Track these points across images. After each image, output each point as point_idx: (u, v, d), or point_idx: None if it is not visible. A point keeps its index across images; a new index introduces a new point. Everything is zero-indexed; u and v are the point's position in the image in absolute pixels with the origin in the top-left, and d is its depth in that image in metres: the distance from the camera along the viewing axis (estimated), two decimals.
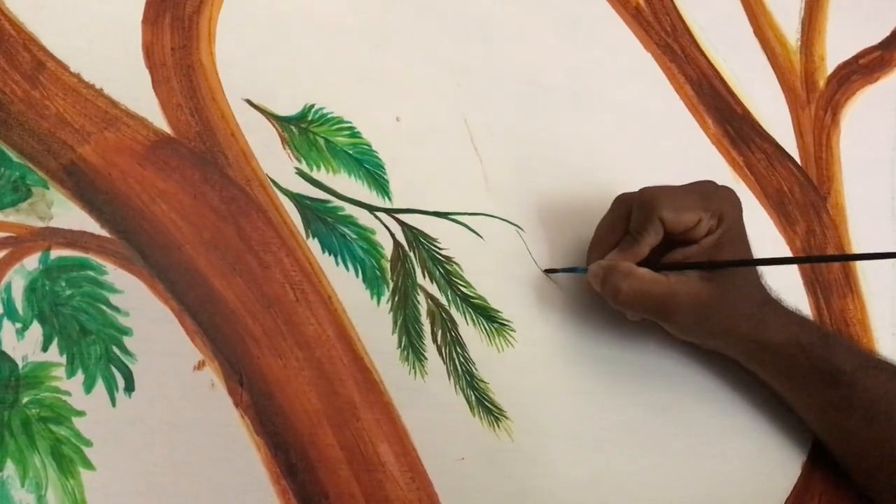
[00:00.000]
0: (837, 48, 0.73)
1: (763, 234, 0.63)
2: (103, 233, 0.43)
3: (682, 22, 0.67)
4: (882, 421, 0.51)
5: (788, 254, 0.63)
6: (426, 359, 0.48)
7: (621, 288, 0.48)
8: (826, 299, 0.64)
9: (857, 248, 0.66)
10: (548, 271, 0.54)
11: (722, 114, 0.66)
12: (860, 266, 0.66)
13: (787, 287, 0.61)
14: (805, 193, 0.66)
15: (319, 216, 0.48)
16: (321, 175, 0.49)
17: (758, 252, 0.53)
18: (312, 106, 0.51)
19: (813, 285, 0.64)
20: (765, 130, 0.67)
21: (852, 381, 0.51)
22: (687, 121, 0.64)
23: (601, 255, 0.51)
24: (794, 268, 0.63)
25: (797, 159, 0.67)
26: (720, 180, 0.62)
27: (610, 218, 0.52)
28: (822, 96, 0.71)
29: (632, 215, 0.50)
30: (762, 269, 0.53)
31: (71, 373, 0.40)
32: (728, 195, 0.51)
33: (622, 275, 0.49)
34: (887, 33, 0.76)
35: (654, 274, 0.49)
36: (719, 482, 0.54)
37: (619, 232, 0.51)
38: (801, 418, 0.56)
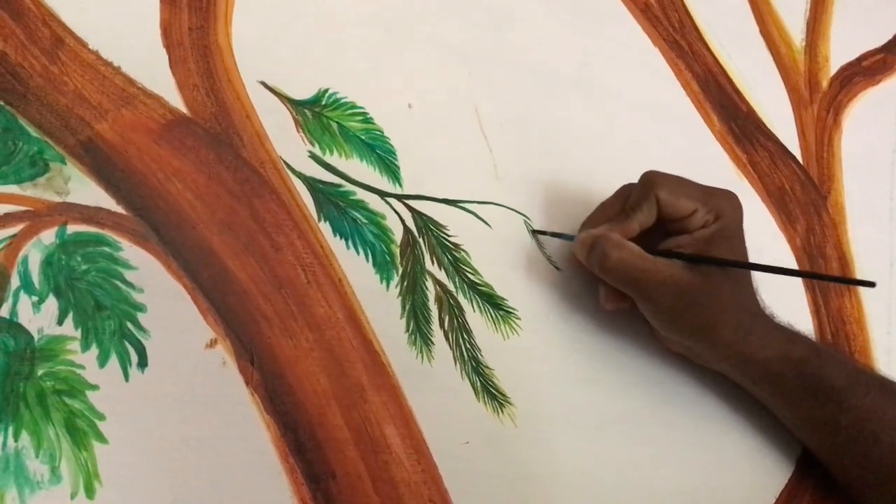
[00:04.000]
0: (841, 49, 0.74)
1: (764, 231, 0.64)
2: (119, 209, 0.44)
3: (690, 18, 0.68)
4: (868, 438, 0.51)
5: (789, 250, 0.64)
6: (433, 344, 0.49)
7: (609, 255, 0.48)
8: (824, 297, 0.64)
9: (855, 248, 0.67)
10: (535, 232, 0.54)
11: (727, 111, 0.66)
12: (858, 265, 0.67)
13: (787, 285, 0.63)
14: (806, 192, 0.67)
15: (331, 200, 0.49)
16: (334, 159, 0.50)
17: (757, 249, 0.54)
18: (327, 90, 0.51)
19: (811, 283, 0.65)
20: (768, 129, 0.68)
21: (842, 399, 0.51)
22: (693, 116, 0.65)
23: (592, 228, 0.51)
24: (795, 264, 0.64)
25: (799, 158, 0.68)
26: (723, 176, 0.64)
27: (610, 199, 0.53)
28: (824, 97, 0.72)
29: (631, 194, 0.51)
30: (757, 283, 0.53)
31: (85, 347, 0.41)
32: (729, 196, 0.51)
33: (611, 244, 0.49)
34: (890, 36, 0.77)
35: (642, 250, 0.49)
36: (716, 474, 0.55)
37: (614, 211, 0.52)
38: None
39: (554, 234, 0.54)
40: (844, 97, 0.73)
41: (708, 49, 0.68)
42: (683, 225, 0.50)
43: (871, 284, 0.46)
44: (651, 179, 0.50)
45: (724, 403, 0.57)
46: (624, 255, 0.48)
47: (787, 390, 0.52)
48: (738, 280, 0.51)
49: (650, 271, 0.48)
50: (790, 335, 0.52)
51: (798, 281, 0.64)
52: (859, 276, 0.66)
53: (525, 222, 0.54)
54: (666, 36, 0.66)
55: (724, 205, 0.50)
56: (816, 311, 0.64)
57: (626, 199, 0.51)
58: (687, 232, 0.50)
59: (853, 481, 0.54)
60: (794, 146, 0.69)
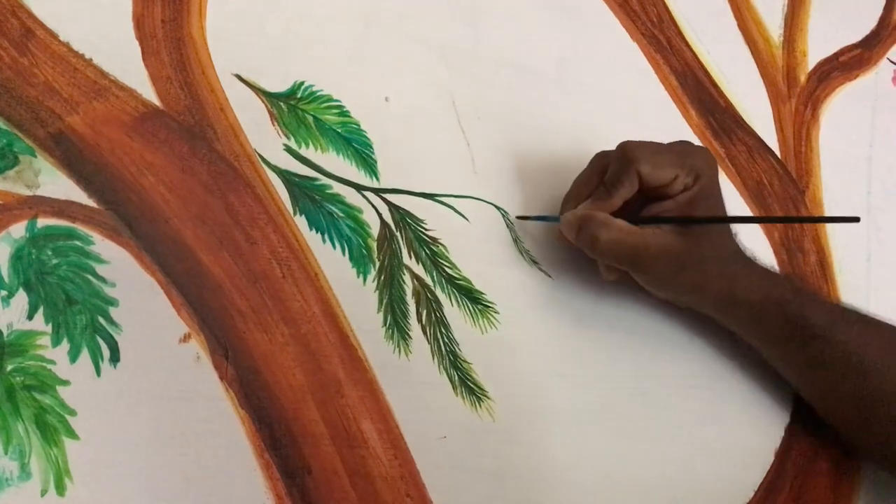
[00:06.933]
0: (819, 45, 0.75)
1: (742, 225, 0.64)
2: (90, 203, 0.43)
3: (669, 13, 0.68)
4: (856, 374, 0.52)
5: (767, 244, 0.64)
6: (411, 338, 0.49)
7: (599, 237, 0.49)
8: None
9: (833, 242, 0.67)
10: (519, 218, 0.55)
11: (705, 105, 0.66)
12: (836, 258, 0.67)
13: None
14: (784, 186, 0.67)
15: (307, 193, 0.49)
16: (309, 153, 0.49)
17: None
18: (302, 83, 0.51)
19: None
20: (746, 123, 0.68)
21: (826, 336, 0.52)
22: (671, 111, 0.65)
23: (574, 206, 0.52)
24: (773, 258, 0.64)
25: (777, 153, 0.69)
26: None
27: (587, 172, 0.53)
28: (802, 91, 0.72)
29: (609, 168, 0.51)
30: (736, 228, 0.54)
31: (56, 342, 0.40)
32: (704, 155, 0.52)
33: (599, 224, 0.49)
34: (867, 32, 0.78)
35: (629, 225, 0.50)
36: (695, 466, 0.55)
37: (593, 185, 0.52)
38: (778, 396, 0.58)
39: (538, 218, 0.54)
40: (822, 92, 0.73)
41: (686, 44, 0.68)
42: (663, 191, 0.51)
43: (856, 220, 0.45)
44: (629, 154, 0.50)
45: (704, 396, 0.57)
46: (613, 234, 0.49)
47: (773, 331, 0.53)
48: (720, 233, 0.52)
49: (640, 245, 0.49)
50: (771, 276, 0.54)
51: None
52: (837, 268, 0.67)
53: (504, 215, 0.54)
54: (644, 31, 0.66)
55: (701, 164, 0.51)
56: None
57: (603, 171, 0.51)
58: (668, 197, 0.51)
59: (843, 420, 0.55)
60: (772, 141, 0.69)
